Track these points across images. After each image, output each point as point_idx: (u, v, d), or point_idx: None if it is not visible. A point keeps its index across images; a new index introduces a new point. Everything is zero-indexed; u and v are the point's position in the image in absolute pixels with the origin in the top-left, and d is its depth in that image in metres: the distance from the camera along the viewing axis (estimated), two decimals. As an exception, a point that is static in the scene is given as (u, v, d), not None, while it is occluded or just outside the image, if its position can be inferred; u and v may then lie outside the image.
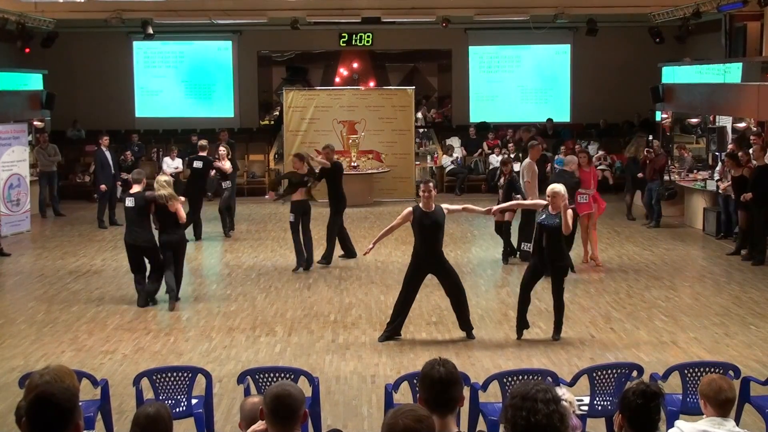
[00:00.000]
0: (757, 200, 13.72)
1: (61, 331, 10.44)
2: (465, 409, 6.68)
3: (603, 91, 23.79)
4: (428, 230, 9.73)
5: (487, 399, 6.94)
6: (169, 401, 6.67)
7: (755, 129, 16.59)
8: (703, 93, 18.75)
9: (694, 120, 20.53)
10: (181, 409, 6.81)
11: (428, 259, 9.87)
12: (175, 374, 6.92)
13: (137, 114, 24.91)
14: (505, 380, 6.66)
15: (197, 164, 15.72)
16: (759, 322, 10.47)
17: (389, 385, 6.89)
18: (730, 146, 16.70)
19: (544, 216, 9.80)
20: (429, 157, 23.54)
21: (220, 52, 25.17)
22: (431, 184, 9.85)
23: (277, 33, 23.82)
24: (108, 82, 24.22)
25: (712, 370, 6.59)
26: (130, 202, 11.58)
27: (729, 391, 4.70)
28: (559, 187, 9.87)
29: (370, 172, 20.54)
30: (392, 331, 9.96)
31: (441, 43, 24.90)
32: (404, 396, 6.89)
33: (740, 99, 16.94)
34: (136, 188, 11.59)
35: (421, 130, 24.17)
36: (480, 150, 22.89)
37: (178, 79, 25.13)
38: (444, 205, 9.91)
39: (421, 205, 9.79)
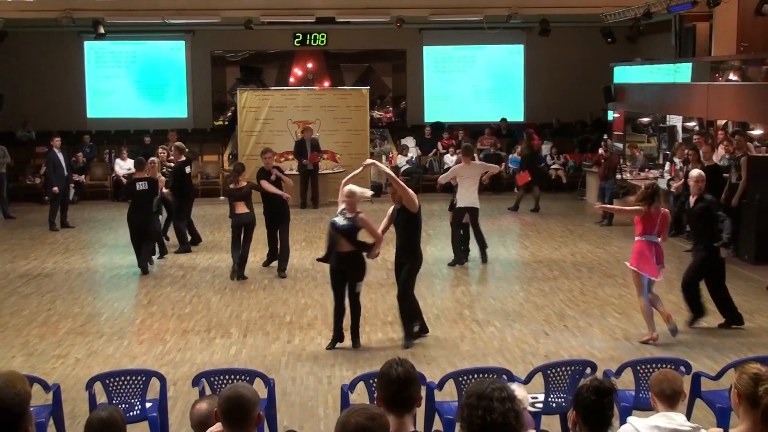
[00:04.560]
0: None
1: (11, 336, 10.28)
2: (421, 409, 6.69)
3: (556, 90, 24.00)
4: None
5: (442, 398, 6.96)
6: (123, 405, 6.60)
7: (701, 129, 16.86)
8: (654, 92, 19.02)
9: (645, 119, 20.80)
10: (135, 412, 6.74)
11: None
12: (128, 378, 6.85)
13: (89, 115, 24.60)
14: (460, 379, 6.68)
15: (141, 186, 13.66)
16: (709, 319, 10.62)
17: (345, 386, 6.89)
18: (681, 146, 16.90)
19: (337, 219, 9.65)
20: (384, 157, 23.53)
21: (173, 51, 24.95)
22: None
23: (230, 33, 23.68)
24: (58, 82, 23.90)
25: (664, 365, 6.67)
26: (143, 185, 13.29)
27: (675, 382, 4.76)
28: (354, 188, 9.70)
29: (325, 172, 20.49)
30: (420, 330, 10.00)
31: (395, 43, 24.93)
32: (360, 396, 6.89)
33: (690, 98, 17.20)
34: (141, 174, 13.48)
35: (375, 130, 24.16)
36: (435, 150, 22.95)
37: (131, 80, 24.87)
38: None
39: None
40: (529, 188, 19.26)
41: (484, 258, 14.02)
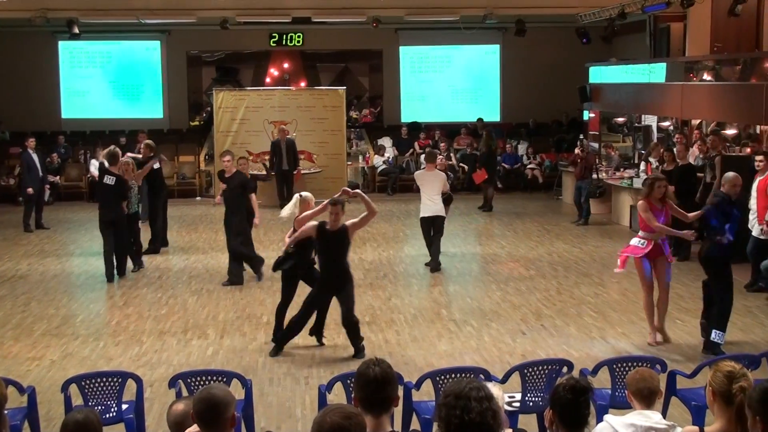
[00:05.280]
0: (680, 198, 14.00)
1: (-15, 338, 10.19)
2: (398, 409, 6.69)
3: (532, 90, 24.10)
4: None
5: (420, 398, 6.97)
6: (99, 407, 6.56)
7: (676, 129, 16.98)
8: (628, 92, 19.13)
9: (621, 119, 20.92)
10: (111, 414, 6.70)
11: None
12: (104, 380, 6.80)
13: (63, 115, 24.44)
14: (438, 379, 6.69)
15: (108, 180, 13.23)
16: (684, 317, 10.71)
17: (323, 386, 6.88)
18: (654, 144, 17.00)
19: None
20: (361, 157, 23.55)
21: (149, 52, 24.84)
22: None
23: (206, 33, 23.60)
24: (33, 82, 23.72)
25: (640, 364, 6.71)
26: (110, 180, 12.84)
27: (651, 381, 4.79)
28: (305, 194, 9.73)
29: (305, 172, 20.45)
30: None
31: (372, 43, 24.95)
32: (338, 396, 6.89)
33: (664, 98, 17.31)
34: (113, 169, 12.97)
35: (352, 130, 24.15)
36: (411, 150, 22.97)
37: (106, 80, 24.73)
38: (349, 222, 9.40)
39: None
40: (485, 186, 19.25)
41: (434, 266, 13.51)
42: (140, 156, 15.36)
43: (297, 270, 9.78)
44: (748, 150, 14.96)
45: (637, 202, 9.87)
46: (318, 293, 9.57)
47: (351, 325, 9.44)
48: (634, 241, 9.94)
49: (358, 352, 9.43)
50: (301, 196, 9.88)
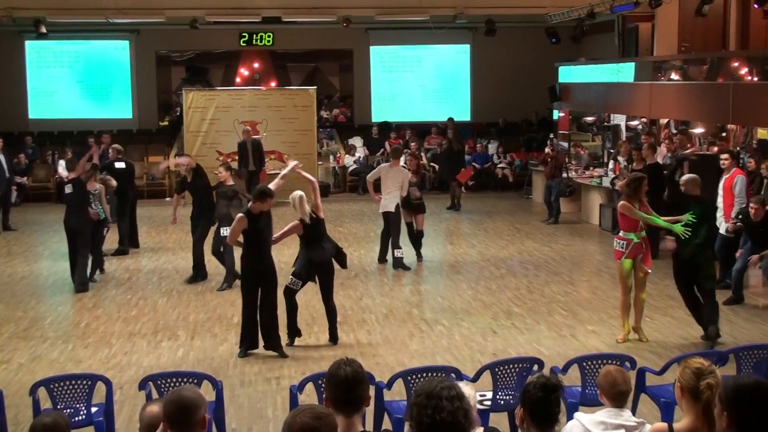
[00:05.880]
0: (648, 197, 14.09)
1: (-48, 341, 10.07)
2: (370, 408, 6.69)
3: (502, 90, 24.20)
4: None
5: (392, 397, 6.97)
6: (68, 410, 6.50)
7: (644, 128, 17.11)
8: (597, 92, 19.26)
9: (590, 118, 21.05)
10: (80, 417, 6.64)
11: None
12: (73, 382, 6.74)
13: (31, 115, 24.20)
14: (409, 378, 6.69)
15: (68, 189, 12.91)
16: (654, 315, 10.79)
17: (294, 387, 6.86)
18: (622, 143, 17.12)
19: None
20: (331, 157, 23.54)
21: (117, 51, 24.66)
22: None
23: (175, 32, 23.47)
24: (-1, 82, 23.49)
25: (610, 361, 6.75)
26: (69, 188, 12.57)
27: (623, 385, 4.81)
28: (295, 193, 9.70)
29: (272, 172, 20.37)
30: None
31: (342, 42, 24.95)
32: (309, 397, 6.88)
33: (633, 97, 17.45)
34: (71, 175, 12.78)
35: (323, 130, 24.12)
36: (382, 149, 22.98)
37: (74, 80, 24.51)
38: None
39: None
40: (461, 185, 19.27)
41: (394, 262, 13.57)
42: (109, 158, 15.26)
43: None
44: (715, 149, 15.10)
45: (619, 203, 9.85)
46: (242, 285, 9.62)
47: (270, 320, 9.41)
48: (615, 244, 9.94)
49: (273, 347, 9.41)
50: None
